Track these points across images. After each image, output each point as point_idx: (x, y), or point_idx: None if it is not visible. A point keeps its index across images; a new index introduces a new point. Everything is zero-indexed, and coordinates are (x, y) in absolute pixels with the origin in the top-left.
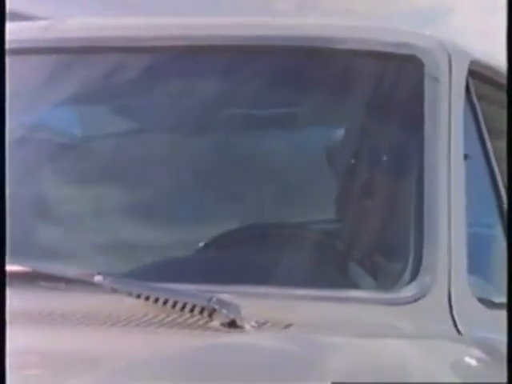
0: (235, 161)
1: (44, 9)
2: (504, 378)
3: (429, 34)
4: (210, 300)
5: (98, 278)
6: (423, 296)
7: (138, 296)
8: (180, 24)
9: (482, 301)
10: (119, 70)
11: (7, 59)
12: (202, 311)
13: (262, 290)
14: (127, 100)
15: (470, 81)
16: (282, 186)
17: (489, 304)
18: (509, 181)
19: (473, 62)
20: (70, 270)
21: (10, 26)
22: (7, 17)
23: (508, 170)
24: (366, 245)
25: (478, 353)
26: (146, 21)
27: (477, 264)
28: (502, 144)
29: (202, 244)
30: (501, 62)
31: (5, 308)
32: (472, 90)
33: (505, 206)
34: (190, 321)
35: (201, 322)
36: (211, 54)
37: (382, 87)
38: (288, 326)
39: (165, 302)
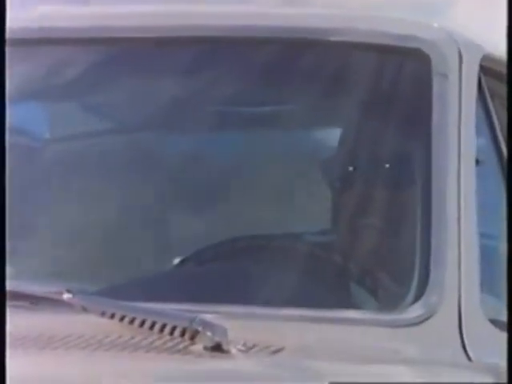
0: (220, 166)
1: None
2: None
3: (436, 25)
4: (192, 321)
5: (67, 296)
6: (429, 317)
7: (112, 316)
8: (160, 13)
9: (494, 322)
10: (90, 63)
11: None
12: (183, 333)
13: (250, 310)
14: (99, 97)
15: (483, 78)
16: (272, 193)
17: (502, 326)
18: (508, 181)
19: (485, 57)
20: (37, 288)
21: None
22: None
23: (508, 170)
24: (366, 260)
25: (489, 381)
26: (124, 9)
27: (489, 281)
28: None
29: (181, 259)
30: None
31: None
32: (484, 87)
33: None
34: (170, 344)
35: (182, 346)
36: (195, 46)
37: (384, 85)
38: (279, 350)
39: (142, 323)
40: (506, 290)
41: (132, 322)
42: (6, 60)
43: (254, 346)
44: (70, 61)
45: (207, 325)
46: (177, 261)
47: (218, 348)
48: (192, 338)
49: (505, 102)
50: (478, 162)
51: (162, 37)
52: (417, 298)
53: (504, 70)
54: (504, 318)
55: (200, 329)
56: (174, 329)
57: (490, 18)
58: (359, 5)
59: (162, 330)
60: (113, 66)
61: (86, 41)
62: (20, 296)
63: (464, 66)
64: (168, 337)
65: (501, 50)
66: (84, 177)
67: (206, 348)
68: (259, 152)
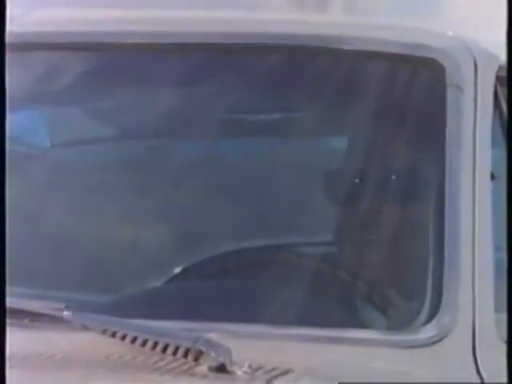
0: (221, 173)
1: None
2: None
3: (451, 33)
4: (195, 341)
5: (66, 314)
6: (443, 338)
7: (113, 335)
8: (164, 19)
9: (510, 344)
10: (93, 68)
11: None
12: (186, 354)
13: (256, 329)
14: (101, 103)
15: (499, 89)
16: (276, 204)
17: None
18: (508, 185)
19: (502, 67)
20: (35, 303)
21: None
22: None
23: (508, 173)
24: (375, 277)
25: None
26: (127, 14)
27: (505, 299)
28: None
29: (182, 272)
30: None
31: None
32: (501, 99)
33: None
34: (173, 365)
35: (185, 367)
36: (198, 53)
37: (395, 96)
38: (286, 372)
39: (144, 343)
40: (506, 296)
41: (134, 341)
42: (5, 65)
43: (259, 367)
44: (70, 66)
45: (211, 345)
46: (177, 274)
47: (222, 369)
48: (196, 358)
49: None
50: (493, 176)
51: (166, 43)
52: (430, 318)
53: None
54: None
55: (204, 349)
56: (177, 349)
57: (486, 15)
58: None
59: (164, 349)
60: (114, 72)
61: (86, 46)
62: (17, 312)
63: (479, 76)
64: (171, 357)
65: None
66: (81, 186)
67: (210, 369)
68: (263, 161)
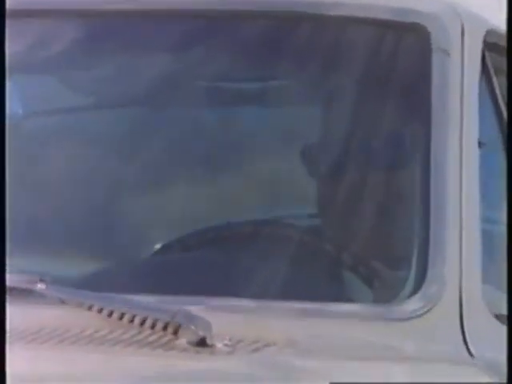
0: (201, 145)
1: None
2: None
3: None
4: (174, 314)
5: (40, 287)
6: (429, 310)
7: (90, 308)
8: None
9: (498, 317)
10: (67, 35)
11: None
12: (165, 327)
13: (237, 302)
14: (76, 70)
15: (487, 54)
16: (257, 175)
17: (505, 320)
18: (508, 179)
19: (490, 32)
20: (8, 276)
21: None
22: None
23: (508, 169)
24: (359, 248)
25: (491, 380)
26: None
27: (493, 271)
28: None
29: (162, 245)
30: None
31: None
32: (489, 64)
33: None
34: (151, 338)
35: (164, 340)
36: (176, 19)
37: (379, 61)
38: (267, 345)
39: (121, 316)
40: (507, 291)
41: (111, 314)
42: (6, 60)
43: (240, 341)
44: (54, 34)
45: (191, 318)
46: (158, 247)
47: (202, 343)
48: (175, 332)
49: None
50: (480, 144)
51: (150, 9)
52: (415, 290)
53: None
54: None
55: (183, 322)
56: (155, 322)
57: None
58: None
59: (142, 323)
60: (98, 40)
61: (71, 13)
62: None
63: (467, 41)
64: (149, 331)
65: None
66: (60, 156)
67: (189, 342)
68: (245, 132)
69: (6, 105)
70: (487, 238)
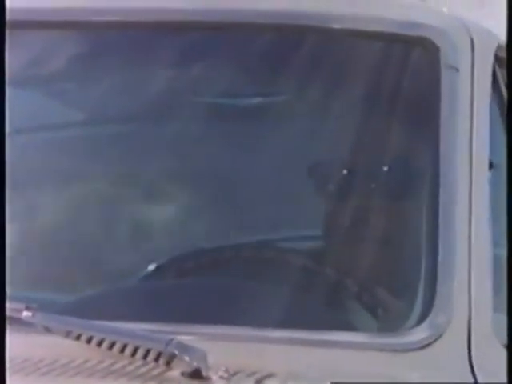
0: (200, 162)
1: None
2: None
3: (446, 10)
4: (168, 343)
5: (26, 314)
6: (436, 340)
7: (78, 337)
8: None
9: (508, 347)
10: (59, 47)
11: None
12: (157, 358)
13: (234, 331)
14: (68, 85)
15: (498, 70)
16: (258, 196)
17: None
18: (508, 181)
19: (500, 47)
20: None
21: None
22: None
23: (508, 170)
24: (364, 275)
25: None
26: None
27: (503, 298)
28: None
29: (155, 269)
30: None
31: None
32: (500, 81)
33: None
34: (143, 369)
35: (156, 372)
36: (177, 32)
37: (387, 78)
38: (266, 377)
39: (111, 346)
40: (507, 293)
41: (100, 344)
42: (5, 58)
43: (237, 372)
44: (47, 47)
45: (185, 348)
46: (150, 272)
47: (196, 374)
48: (168, 363)
49: None
50: (491, 165)
51: (148, 21)
52: (422, 319)
53: None
54: None
55: (177, 352)
56: (147, 352)
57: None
58: None
59: (134, 353)
60: (98, 52)
61: (70, 24)
62: None
63: (477, 57)
64: (141, 361)
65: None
66: (44, 176)
67: (183, 374)
68: (250, 150)
69: (5, 111)
70: (497, 263)
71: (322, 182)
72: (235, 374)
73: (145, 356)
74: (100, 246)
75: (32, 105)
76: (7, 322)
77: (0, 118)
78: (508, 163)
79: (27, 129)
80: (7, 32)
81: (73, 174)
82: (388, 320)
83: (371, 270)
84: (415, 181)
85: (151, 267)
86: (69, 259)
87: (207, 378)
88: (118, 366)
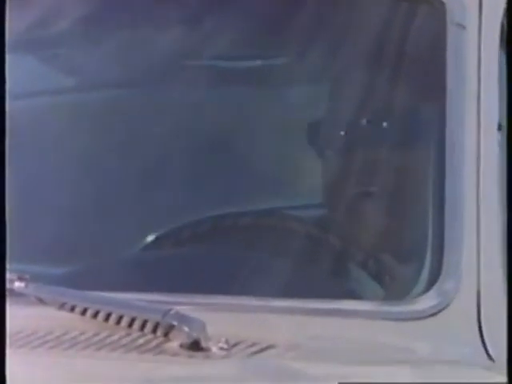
0: (199, 129)
1: None
2: None
3: None
4: (165, 314)
5: (18, 285)
6: (444, 308)
7: (72, 309)
8: None
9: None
10: (51, 9)
11: None
12: (155, 329)
13: (233, 300)
14: (62, 49)
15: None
16: (256, 162)
17: None
18: (509, 180)
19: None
20: None
21: None
22: None
23: (508, 169)
24: (368, 241)
25: None
26: None
27: None
28: None
29: (153, 239)
30: None
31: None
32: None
33: None
34: (140, 341)
35: (154, 343)
36: None
37: (390, 35)
38: (267, 348)
39: (107, 317)
40: (507, 290)
41: (96, 315)
42: (5, 59)
43: (237, 343)
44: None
45: (183, 318)
46: (148, 242)
47: (196, 346)
48: (166, 334)
49: None
50: (500, 127)
51: None
52: (429, 286)
53: None
54: None
55: (175, 323)
56: (144, 323)
57: None
58: None
59: (130, 324)
60: (95, 15)
61: None
62: None
63: (485, 14)
64: (138, 333)
65: None
66: (41, 145)
67: (182, 345)
68: (246, 115)
69: (5, 102)
70: (506, 228)
71: (325, 146)
72: (235, 345)
73: (142, 327)
74: (95, 217)
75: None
76: None
77: (0, 113)
78: (508, 159)
79: (25, 94)
80: None
81: (68, 143)
82: (394, 288)
83: (376, 237)
84: (422, 142)
85: (150, 238)
86: (65, 230)
87: (207, 349)
88: (114, 337)
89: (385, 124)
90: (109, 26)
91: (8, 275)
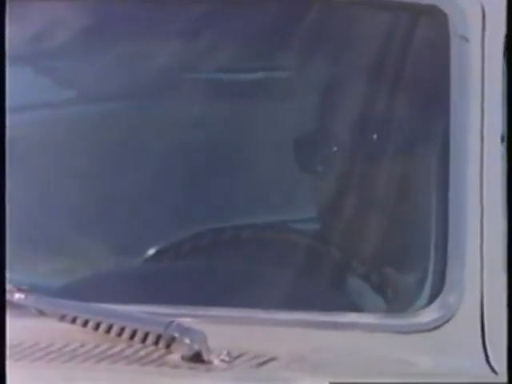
0: (194, 142)
1: None
2: None
3: None
4: (167, 326)
5: (19, 297)
6: (447, 321)
7: (73, 320)
8: None
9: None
10: (50, 22)
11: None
12: (156, 341)
13: (235, 313)
14: (60, 61)
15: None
16: (256, 175)
17: None
18: (509, 180)
19: None
20: None
21: None
22: None
23: (508, 169)
24: (371, 253)
25: None
26: None
27: None
28: None
29: (155, 251)
30: None
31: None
32: None
33: None
34: (142, 353)
35: (155, 355)
36: (177, 6)
37: (392, 47)
38: (269, 360)
39: (108, 329)
40: (507, 289)
41: (97, 327)
42: (5, 60)
43: (239, 355)
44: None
45: (185, 330)
46: (150, 253)
47: (197, 358)
48: (167, 346)
49: None
50: (503, 139)
51: None
52: (432, 299)
53: None
54: None
55: (176, 335)
56: (146, 335)
57: None
58: None
59: (132, 336)
60: (94, 27)
61: None
62: None
63: (488, 26)
64: (139, 345)
65: None
66: (40, 156)
67: (183, 358)
68: (247, 127)
69: (5, 104)
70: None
71: (326, 158)
72: (237, 357)
73: (143, 339)
74: (97, 227)
75: (32, 81)
76: None
77: (0, 117)
78: (508, 158)
79: (22, 107)
80: None
81: (67, 156)
82: (397, 300)
83: (379, 249)
84: (425, 157)
85: (151, 250)
86: (66, 242)
87: (208, 362)
88: (115, 349)
89: (389, 137)
90: (108, 38)
91: (8, 286)
